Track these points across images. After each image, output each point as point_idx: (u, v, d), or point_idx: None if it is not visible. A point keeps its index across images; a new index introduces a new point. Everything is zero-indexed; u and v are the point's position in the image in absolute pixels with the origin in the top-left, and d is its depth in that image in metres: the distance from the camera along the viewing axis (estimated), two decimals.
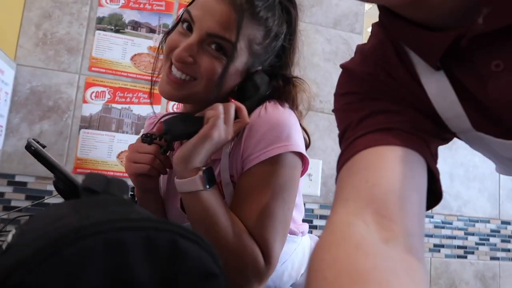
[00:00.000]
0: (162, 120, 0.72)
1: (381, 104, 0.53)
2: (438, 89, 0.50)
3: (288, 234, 0.78)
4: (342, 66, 0.60)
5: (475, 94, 0.48)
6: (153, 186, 0.78)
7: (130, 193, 0.87)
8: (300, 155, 0.73)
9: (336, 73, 1.85)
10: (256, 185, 0.70)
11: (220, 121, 0.67)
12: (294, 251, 0.84)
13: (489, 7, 0.41)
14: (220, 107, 0.68)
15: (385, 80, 0.54)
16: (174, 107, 1.57)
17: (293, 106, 0.79)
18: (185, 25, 0.72)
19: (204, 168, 0.67)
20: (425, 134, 0.52)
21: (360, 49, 0.60)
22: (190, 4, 0.75)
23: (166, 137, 0.70)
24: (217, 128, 0.67)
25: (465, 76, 0.48)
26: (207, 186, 0.67)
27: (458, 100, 0.49)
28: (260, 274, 0.69)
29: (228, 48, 0.69)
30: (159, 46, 0.83)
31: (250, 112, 0.73)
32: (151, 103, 0.90)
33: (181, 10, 1.64)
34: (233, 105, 0.70)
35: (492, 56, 0.44)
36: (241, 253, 0.67)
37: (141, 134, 0.83)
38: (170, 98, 0.74)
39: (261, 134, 0.71)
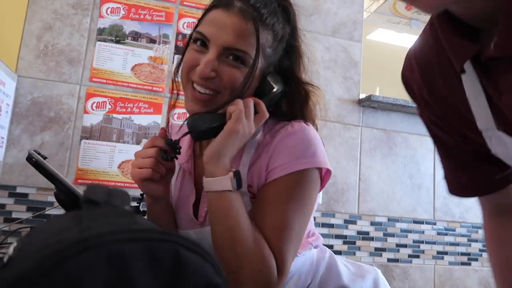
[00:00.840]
0: (187, 120, 0.74)
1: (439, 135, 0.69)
2: (472, 89, 0.57)
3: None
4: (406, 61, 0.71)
5: (495, 99, 0.55)
6: (161, 193, 0.78)
7: (135, 204, 0.87)
8: (320, 171, 0.77)
9: (335, 80, 1.86)
10: (279, 196, 0.72)
11: (243, 114, 0.70)
12: (303, 262, 0.85)
13: (498, 36, 0.48)
14: (240, 102, 0.71)
15: (430, 97, 0.65)
16: (174, 116, 1.57)
17: (311, 119, 0.83)
18: (198, 42, 0.74)
19: (234, 169, 0.69)
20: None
21: (412, 55, 0.69)
22: (197, 24, 0.77)
23: (192, 135, 0.73)
24: (240, 122, 0.70)
25: (487, 82, 0.55)
26: (236, 188, 0.69)
27: (486, 100, 0.56)
28: (272, 284, 0.69)
29: (245, 57, 0.72)
30: (175, 71, 0.85)
31: (267, 108, 0.76)
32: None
33: (180, 21, 1.65)
34: (251, 100, 0.73)
35: (506, 73, 0.51)
36: (258, 259, 0.68)
37: (142, 143, 0.84)
38: (191, 111, 0.75)
39: (289, 148, 0.74)
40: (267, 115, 0.74)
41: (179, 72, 0.80)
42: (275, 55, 0.78)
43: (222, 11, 0.72)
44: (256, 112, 0.74)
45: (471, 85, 0.58)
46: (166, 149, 0.75)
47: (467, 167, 0.72)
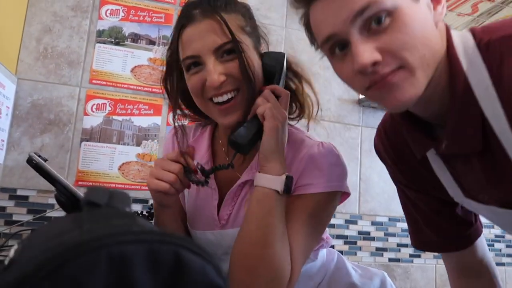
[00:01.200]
0: (228, 141, 0.75)
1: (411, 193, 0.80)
2: (437, 166, 0.69)
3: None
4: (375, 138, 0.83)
5: (457, 177, 0.68)
6: (171, 203, 0.78)
7: (147, 209, 0.87)
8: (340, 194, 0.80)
9: (335, 80, 1.86)
10: (303, 212, 0.75)
11: (273, 109, 0.72)
12: (313, 262, 0.89)
13: (445, 139, 0.60)
14: (263, 100, 0.74)
15: (399, 165, 0.77)
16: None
17: (304, 114, 0.86)
18: (192, 66, 0.75)
19: (287, 174, 0.73)
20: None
21: (382, 127, 0.80)
22: (175, 56, 0.78)
23: (240, 152, 0.75)
24: (275, 117, 0.72)
25: (448, 164, 0.67)
26: (284, 191, 0.71)
27: (451, 176, 0.68)
28: None
29: (234, 47, 0.73)
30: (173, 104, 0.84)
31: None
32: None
33: None
34: (268, 90, 0.75)
35: (459, 163, 0.64)
36: (279, 266, 0.69)
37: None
38: (228, 124, 0.76)
39: (322, 169, 0.77)
40: (288, 92, 0.77)
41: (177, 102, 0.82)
42: (255, 31, 0.80)
43: (190, 27, 0.73)
44: (277, 97, 0.76)
45: (436, 163, 0.69)
46: (193, 171, 0.76)
47: (433, 223, 0.81)
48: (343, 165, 0.80)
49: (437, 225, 0.80)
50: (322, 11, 0.59)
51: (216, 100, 0.74)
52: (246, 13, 0.79)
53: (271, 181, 0.72)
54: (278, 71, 0.79)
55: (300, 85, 0.85)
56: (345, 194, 0.81)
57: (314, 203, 0.76)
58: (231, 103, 0.74)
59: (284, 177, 0.72)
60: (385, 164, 0.83)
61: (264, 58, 0.79)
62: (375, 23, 0.55)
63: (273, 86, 0.76)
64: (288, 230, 0.73)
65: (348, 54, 0.58)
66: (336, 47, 0.59)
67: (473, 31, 0.60)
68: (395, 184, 0.84)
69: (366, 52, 0.54)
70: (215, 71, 0.72)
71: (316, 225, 0.76)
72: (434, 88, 0.59)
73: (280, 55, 0.80)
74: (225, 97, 0.74)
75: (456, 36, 0.60)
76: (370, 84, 0.57)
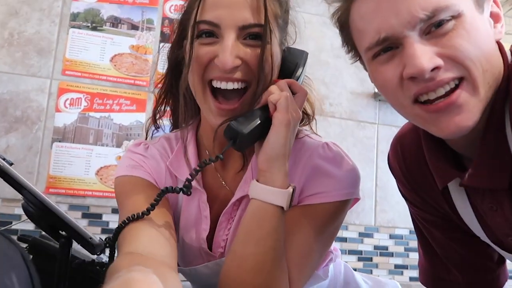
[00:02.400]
0: (224, 131, 0.69)
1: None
2: (459, 199, 0.69)
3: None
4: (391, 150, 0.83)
5: (484, 217, 0.67)
6: None
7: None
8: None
9: (347, 71, 1.86)
10: (311, 223, 0.75)
11: (289, 100, 0.68)
12: (320, 280, 0.90)
13: (472, 168, 0.61)
14: (278, 88, 0.70)
15: (419, 193, 0.78)
16: None
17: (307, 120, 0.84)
18: (204, 35, 0.71)
19: (294, 186, 0.69)
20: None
21: (399, 140, 0.81)
22: (185, 15, 0.75)
23: (234, 145, 0.68)
24: (288, 110, 0.68)
25: (472, 200, 0.67)
26: (289, 206, 0.69)
27: (474, 215, 0.68)
28: None
29: (262, 33, 0.70)
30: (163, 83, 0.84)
31: None
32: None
33: (167, 4, 1.66)
34: (284, 81, 0.72)
35: (486, 200, 0.64)
36: (274, 282, 0.69)
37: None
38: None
39: (331, 176, 0.76)
40: (306, 91, 0.74)
41: (181, 80, 0.76)
42: (286, 26, 0.78)
43: None
44: (293, 93, 0.72)
45: (459, 197, 0.69)
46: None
47: (453, 254, 0.79)
48: (355, 168, 0.79)
49: (459, 257, 0.79)
50: (376, 10, 0.58)
51: (216, 84, 0.70)
52: (285, 4, 0.78)
53: (274, 194, 0.68)
54: (297, 70, 0.77)
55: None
56: (355, 199, 0.81)
57: (323, 214, 0.75)
58: (235, 106, 0.71)
59: (290, 190, 0.68)
60: (398, 182, 0.83)
61: (285, 53, 0.77)
62: (435, 26, 0.55)
63: (291, 80, 0.73)
64: (290, 248, 0.72)
65: (396, 56, 0.58)
66: (382, 50, 0.59)
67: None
68: (408, 204, 0.84)
69: (426, 54, 0.54)
70: (232, 51, 0.68)
71: (324, 238, 0.76)
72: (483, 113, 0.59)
73: (304, 54, 0.80)
74: (229, 85, 0.70)
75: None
76: (420, 93, 0.56)
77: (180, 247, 0.82)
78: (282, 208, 0.68)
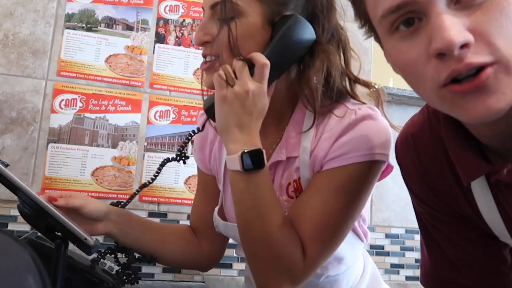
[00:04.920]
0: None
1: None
2: (482, 198, 0.63)
3: (355, 236, 0.92)
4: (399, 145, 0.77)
5: (510, 214, 0.61)
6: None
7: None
8: (383, 163, 0.83)
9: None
10: (330, 187, 0.79)
11: (221, 78, 0.77)
12: (358, 257, 0.98)
13: (511, 164, 0.53)
14: (222, 67, 0.79)
15: (435, 192, 0.71)
16: (156, 115, 1.58)
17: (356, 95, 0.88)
18: (202, 14, 0.85)
19: (245, 150, 0.75)
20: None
21: (412, 137, 0.73)
22: None
23: (208, 117, 0.85)
24: (223, 87, 0.77)
25: (498, 198, 0.61)
26: (244, 168, 0.75)
27: (498, 212, 0.62)
28: (295, 273, 0.76)
29: (232, 8, 0.78)
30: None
31: (283, 66, 0.82)
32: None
33: (162, 4, 1.66)
34: (236, 59, 0.78)
35: None
36: (279, 245, 0.75)
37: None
38: (208, 86, 0.87)
39: (353, 138, 0.79)
40: (264, 62, 0.77)
41: None
42: None
43: None
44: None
45: (482, 194, 0.63)
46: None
47: (464, 255, 0.73)
48: (384, 130, 0.81)
49: (472, 259, 0.73)
50: None
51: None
52: None
53: (230, 162, 0.77)
54: (275, 38, 0.80)
55: (322, 62, 0.84)
56: (389, 167, 0.83)
57: (340, 177, 0.78)
58: (207, 65, 0.84)
59: (238, 154, 0.75)
60: (409, 180, 0.77)
61: (278, 23, 0.81)
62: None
63: (252, 54, 0.78)
64: (309, 208, 0.78)
65: (420, 31, 0.50)
66: (402, 22, 0.51)
67: None
68: (418, 204, 0.78)
69: (455, 26, 0.46)
70: (202, 29, 0.82)
71: (346, 201, 0.79)
72: None
73: (286, 19, 0.80)
74: (207, 58, 0.84)
75: None
76: (451, 77, 0.48)
77: (230, 203, 0.93)
78: (242, 171, 0.75)
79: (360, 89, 0.88)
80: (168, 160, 0.94)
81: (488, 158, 0.61)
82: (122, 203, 0.95)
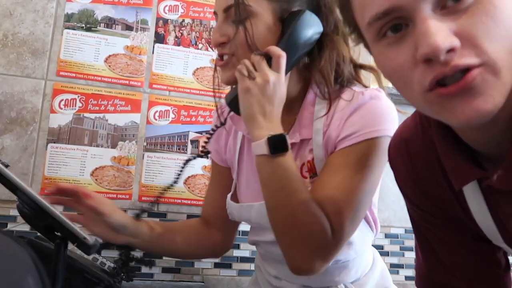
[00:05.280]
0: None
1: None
2: (475, 203, 0.64)
3: (364, 222, 0.97)
4: (393, 145, 0.78)
5: (502, 219, 0.62)
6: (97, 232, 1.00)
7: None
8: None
9: None
10: (346, 164, 0.84)
11: (244, 71, 0.84)
12: (367, 249, 1.04)
13: (503, 169, 0.54)
14: (241, 62, 0.86)
15: (428, 196, 0.72)
16: (155, 115, 1.58)
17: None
18: (215, 17, 0.93)
19: (271, 134, 0.82)
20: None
21: (404, 141, 0.74)
22: None
23: (231, 110, 0.93)
24: (245, 79, 0.84)
25: (490, 203, 0.62)
26: (272, 152, 0.81)
27: (491, 216, 0.63)
28: (325, 248, 0.81)
29: (244, 9, 0.86)
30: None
31: (296, 58, 0.89)
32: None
33: (161, 4, 1.66)
34: (253, 54, 0.86)
35: (507, 203, 0.59)
36: (308, 221, 0.80)
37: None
38: (225, 82, 0.95)
39: (361, 117, 0.86)
40: (280, 53, 0.84)
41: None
42: None
43: None
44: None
45: (474, 198, 0.64)
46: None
47: (458, 258, 0.75)
48: (390, 108, 0.88)
49: (465, 262, 0.74)
50: None
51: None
52: None
53: (257, 147, 0.83)
54: (286, 33, 0.87)
55: (330, 53, 0.92)
56: None
57: (356, 154, 0.84)
58: (223, 63, 0.91)
59: (265, 138, 0.81)
60: (402, 184, 0.78)
61: (287, 19, 0.88)
62: (453, 0, 0.47)
63: (268, 47, 0.86)
64: (330, 184, 0.84)
65: (407, 37, 0.50)
66: (389, 28, 0.51)
67: None
68: (411, 207, 0.80)
69: (441, 31, 0.46)
70: (217, 31, 0.90)
71: (362, 176, 0.84)
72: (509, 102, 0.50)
73: (296, 14, 0.87)
74: (224, 58, 0.91)
75: None
76: (436, 80, 0.48)
77: (244, 187, 1.04)
78: (269, 155, 0.81)
79: (364, 74, 0.98)
80: (192, 158, 1.04)
81: (480, 163, 0.61)
82: (147, 208, 1.05)
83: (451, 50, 0.46)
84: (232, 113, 0.99)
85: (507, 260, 0.76)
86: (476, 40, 0.46)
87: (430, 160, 0.67)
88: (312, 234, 0.80)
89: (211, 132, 1.02)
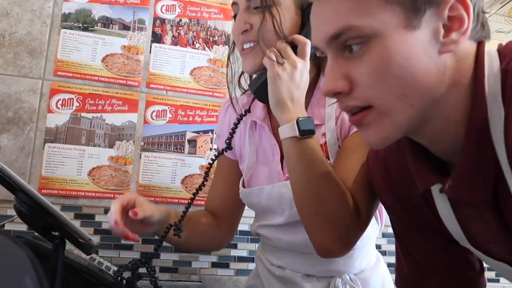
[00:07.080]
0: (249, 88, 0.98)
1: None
2: (443, 207, 0.68)
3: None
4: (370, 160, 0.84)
5: (464, 222, 0.67)
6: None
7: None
8: None
9: None
10: (360, 145, 0.87)
11: (273, 58, 0.87)
12: (372, 241, 1.07)
13: (452, 180, 0.59)
14: (269, 49, 0.89)
15: (401, 200, 0.77)
16: (153, 114, 1.58)
17: None
18: (233, 9, 0.98)
19: (300, 117, 0.85)
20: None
21: (381, 152, 0.80)
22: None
23: (255, 97, 0.97)
24: (274, 66, 0.86)
25: (455, 207, 0.66)
26: (300, 134, 0.84)
27: (456, 220, 0.67)
28: (352, 228, 0.83)
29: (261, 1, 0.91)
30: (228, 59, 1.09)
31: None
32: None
33: (158, 4, 1.66)
34: (279, 41, 0.90)
35: (466, 208, 0.63)
36: (335, 200, 0.82)
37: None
38: (249, 69, 0.98)
39: None
40: (306, 41, 0.89)
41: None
42: None
43: None
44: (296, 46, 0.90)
45: (441, 202, 0.68)
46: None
47: (433, 259, 0.78)
48: None
49: (440, 265, 0.77)
50: (313, 15, 0.61)
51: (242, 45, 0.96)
52: None
53: (284, 130, 0.86)
54: (306, 23, 0.92)
55: None
56: None
57: None
58: (247, 51, 0.95)
59: (294, 121, 0.84)
60: (378, 189, 0.82)
61: (306, 8, 0.93)
62: (349, 50, 0.55)
63: (293, 36, 0.91)
64: (349, 164, 0.87)
65: None
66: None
67: (500, 51, 0.56)
68: (389, 212, 0.84)
69: (333, 75, 0.57)
70: (241, 19, 0.94)
71: None
72: (443, 122, 0.57)
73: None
74: (246, 45, 0.95)
75: (487, 57, 0.56)
76: (343, 111, 0.61)
77: (253, 173, 1.07)
78: (296, 137, 0.84)
79: None
80: (220, 154, 1.08)
81: (448, 171, 0.64)
82: (184, 210, 1.03)
83: (339, 93, 0.56)
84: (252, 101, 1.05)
85: (481, 263, 0.79)
86: (363, 88, 0.55)
87: (402, 165, 0.72)
88: (340, 213, 0.82)
89: (234, 126, 1.04)
